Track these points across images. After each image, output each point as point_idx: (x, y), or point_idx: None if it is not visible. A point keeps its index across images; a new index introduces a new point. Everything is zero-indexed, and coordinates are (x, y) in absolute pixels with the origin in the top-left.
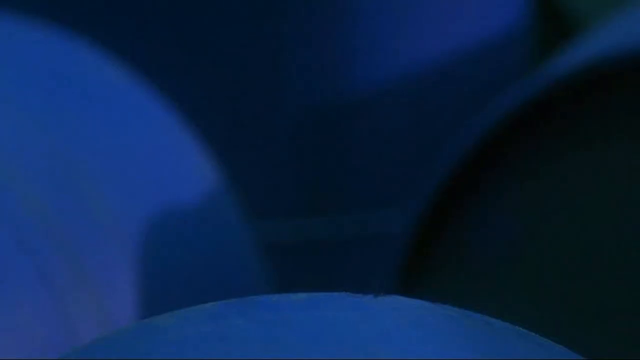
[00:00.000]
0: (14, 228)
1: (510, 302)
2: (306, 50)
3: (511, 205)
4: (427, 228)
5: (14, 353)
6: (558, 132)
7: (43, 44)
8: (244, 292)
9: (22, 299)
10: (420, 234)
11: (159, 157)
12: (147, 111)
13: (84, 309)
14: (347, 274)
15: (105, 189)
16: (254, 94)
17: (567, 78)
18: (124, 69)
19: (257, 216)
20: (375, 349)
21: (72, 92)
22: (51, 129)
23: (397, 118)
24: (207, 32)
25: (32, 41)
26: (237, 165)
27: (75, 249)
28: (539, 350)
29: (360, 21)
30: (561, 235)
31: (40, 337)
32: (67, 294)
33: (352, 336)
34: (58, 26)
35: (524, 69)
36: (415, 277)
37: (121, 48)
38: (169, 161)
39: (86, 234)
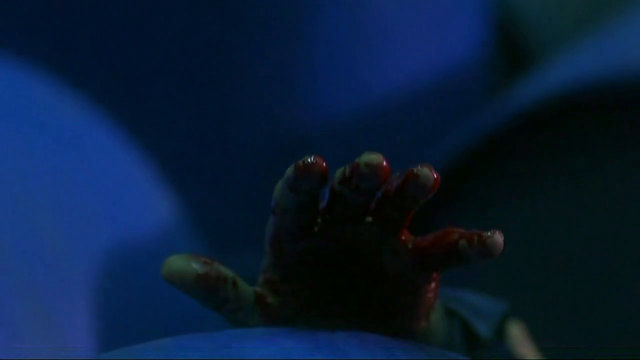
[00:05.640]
0: None
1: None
2: (266, 79)
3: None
4: None
5: None
6: (519, 160)
7: None
8: (204, 326)
9: None
10: None
11: (116, 191)
12: (103, 143)
13: (40, 346)
14: None
15: (61, 224)
16: (216, 124)
17: (527, 109)
18: (77, 95)
19: (220, 250)
20: None
21: (25, 125)
22: (6, 163)
23: (358, 145)
24: (163, 54)
25: None
26: (197, 199)
27: (32, 285)
28: None
29: (321, 50)
30: (551, 244)
31: None
32: (22, 330)
33: None
34: (6, 52)
35: (483, 100)
36: None
37: (73, 69)
38: (127, 195)
39: (42, 269)
